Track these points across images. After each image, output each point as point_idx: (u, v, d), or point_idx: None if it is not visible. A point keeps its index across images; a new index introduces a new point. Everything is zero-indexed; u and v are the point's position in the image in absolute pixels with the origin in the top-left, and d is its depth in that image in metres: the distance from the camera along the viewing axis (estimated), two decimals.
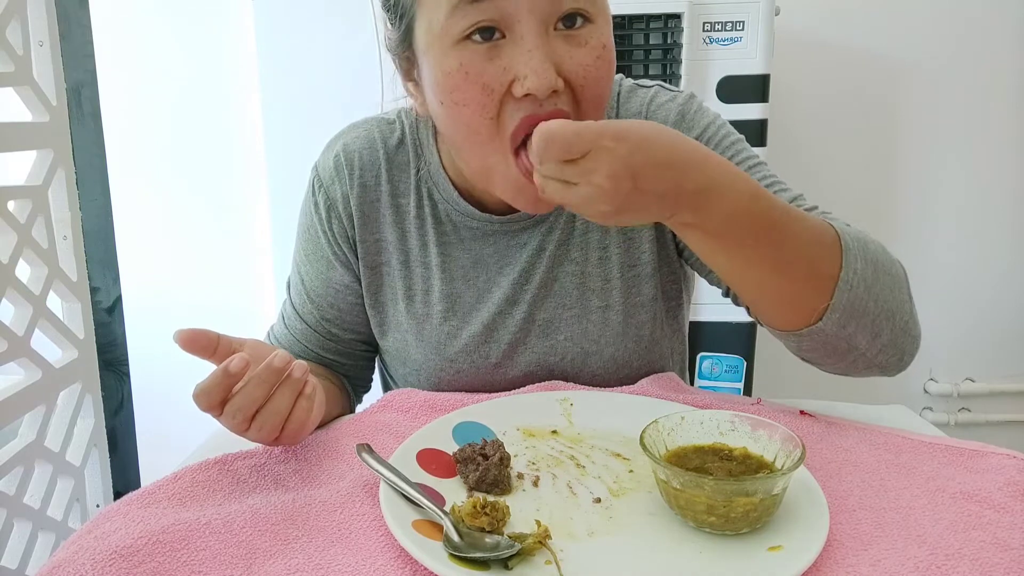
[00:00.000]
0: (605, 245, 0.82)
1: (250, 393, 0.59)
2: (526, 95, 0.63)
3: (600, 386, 0.80)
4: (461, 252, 0.82)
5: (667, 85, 0.84)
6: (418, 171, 0.83)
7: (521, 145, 0.67)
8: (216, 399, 0.59)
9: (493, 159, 0.69)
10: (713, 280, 0.82)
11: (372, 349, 0.92)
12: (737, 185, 0.58)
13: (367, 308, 0.86)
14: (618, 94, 0.83)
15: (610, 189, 0.54)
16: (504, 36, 0.64)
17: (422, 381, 0.85)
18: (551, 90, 0.63)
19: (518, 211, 0.79)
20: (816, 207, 0.76)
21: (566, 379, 0.83)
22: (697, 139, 0.78)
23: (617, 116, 0.82)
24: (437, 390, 0.84)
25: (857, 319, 0.63)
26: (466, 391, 0.83)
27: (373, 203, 0.83)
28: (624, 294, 0.82)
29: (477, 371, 0.83)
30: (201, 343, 0.61)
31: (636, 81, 0.85)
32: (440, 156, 0.82)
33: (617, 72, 0.84)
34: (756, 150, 0.84)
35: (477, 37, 0.64)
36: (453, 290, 0.83)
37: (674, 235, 0.83)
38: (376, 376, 0.98)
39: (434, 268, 0.83)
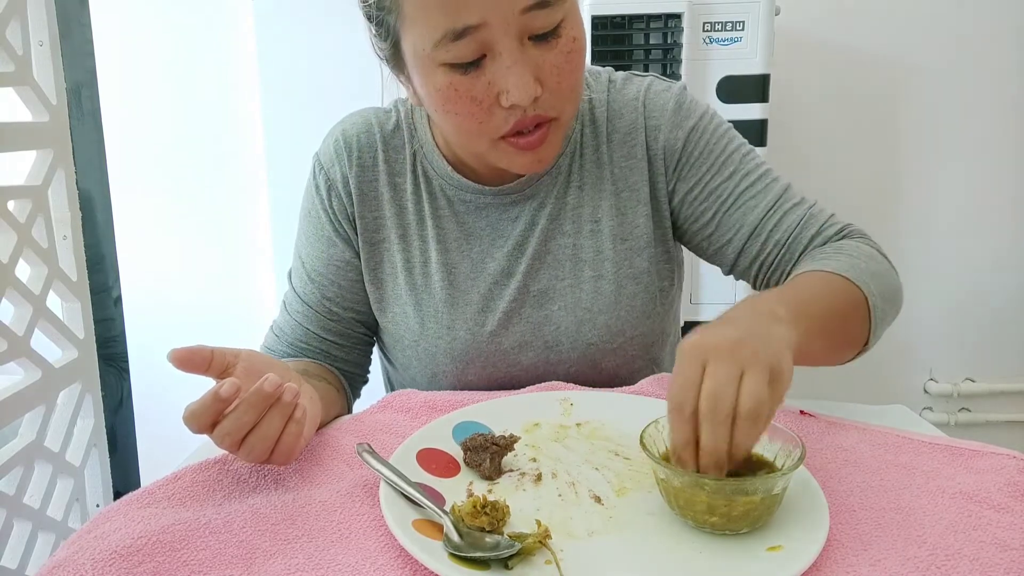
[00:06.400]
0: (597, 219, 0.85)
1: (239, 418, 0.59)
2: (512, 105, 0.69)
3: (595, 354, 0.85)
4: (455, 226, 0.86)
5: (661, 77, 0.88)
6: (413, 152, 0.87)
7: (512, 134, 0.73)
8: (206, 422, 0.59)
9: (483, 148, 0.75)
10: (715, 260, 0.87)
11: (369, 333, 0.93)
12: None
13: (367, 284, 0.89)
14: (610, 82, 0.87)
15: (727, 372, 0.53)
16: (485, 55, 0.69)
17: (420, 353, 0.87)
18: (532, 98, 0.69)
19: (510, 181, 0.84)
20: (803, 199, 0.84)
21: (561, 347, 0.85)
22: (693, 128, 0.84)
23: (609, 103, 0.86)
24: (434, 361, 0.87)
25: (885, 325, 0.76)
26: (463, 361, 0.86)
27: (371, 182, 0.87)
28: (616, 264, 0.85)
29: (473, 338, 0.85)
30: (195, 361, 0.61)
31: (631, 71, 0.89)
32: (434, 135, 0.86)
33: (616, 70, 0.90)
34: (755, 150, 0.85)
35: (462, 65, 0.69)
36: (449, 260, 0.86)
37: (672, 217, 0.87)
38: (377, 372, 0.99)
39: (431, 240, 0.86)
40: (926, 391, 2.05)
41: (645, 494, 0.60)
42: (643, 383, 0.80)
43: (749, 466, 0.57)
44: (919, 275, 1.98)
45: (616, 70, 0.89)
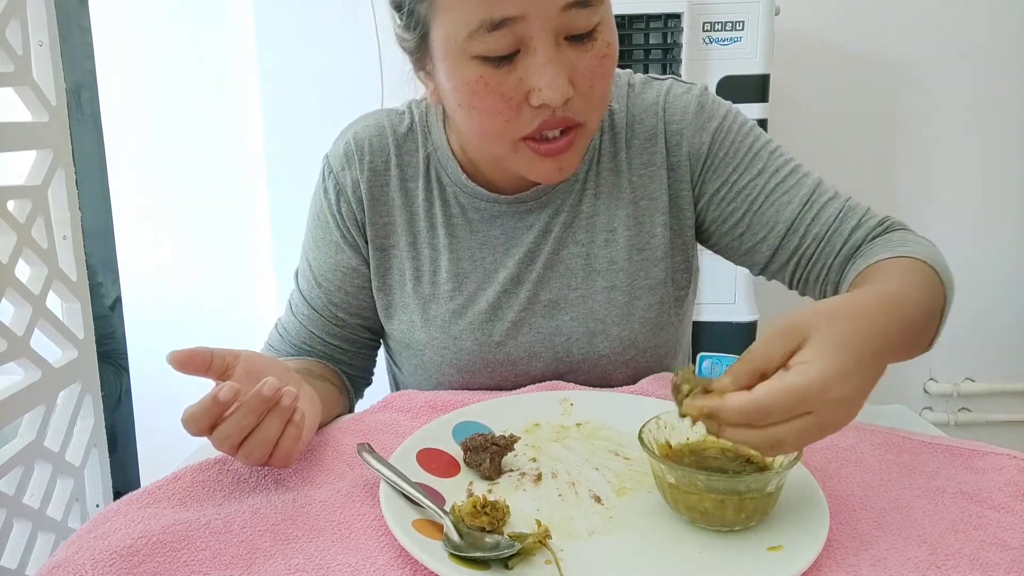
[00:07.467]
0: (612, 228, 0.83)
1: (238, 421, 0.58)
2: (542, 104, 0.67)
3: (606, 366, 0.83)
4: (468, 234, 0.84)
5: (680, 78, 0.86)
6: (427, 156, 0.85)
7: (535, 136, 0.70)
8: (205, 425, 0.58)
9: (503, 150, 0.72)
10: (745, 261, 0.85)
11: (375, 338, 0.93)
12: (879, 317, 0.55)
13: (374, 291, 0.87)
14: (629, 86, 0.85)
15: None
16: (519, 50, 0.66)
17: (426, 362, 0.86)
18: (564, 99, 0.67)
19: (526, 189, 0.82)
20: (837, 194, 0.83)
21: (572, 358, 0.84)
22: (717, 128, 0.82)
23: (629, 109, 0.84)
24: (440, 371, 0.85)
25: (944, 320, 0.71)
26: (469, 372, 0.84)
27: (383, 187, 0.85)
28: (631, 276, 0.83)
29: (480, 349, 0.84)
30: (195, 362, 0.61)
31: (650, 75, 0.87)
32: (448, 140, 0.84)
33: (634, 73, 0.88)
34: (781, 146, 0.85)
35: (495, 58, 0.67)
36: (460, 270, 0.84)
37: (698, 221, 0.85)
38: (383, 373, 0.99)
39: (441, 249, 0.84)
40: (926, 391, 2.04)
41: (645, 494, 0.60)
42: (643, 383, 0.80)
43: (747, 465, 0.57)
44: None
45: (630, 71, 0.88)
